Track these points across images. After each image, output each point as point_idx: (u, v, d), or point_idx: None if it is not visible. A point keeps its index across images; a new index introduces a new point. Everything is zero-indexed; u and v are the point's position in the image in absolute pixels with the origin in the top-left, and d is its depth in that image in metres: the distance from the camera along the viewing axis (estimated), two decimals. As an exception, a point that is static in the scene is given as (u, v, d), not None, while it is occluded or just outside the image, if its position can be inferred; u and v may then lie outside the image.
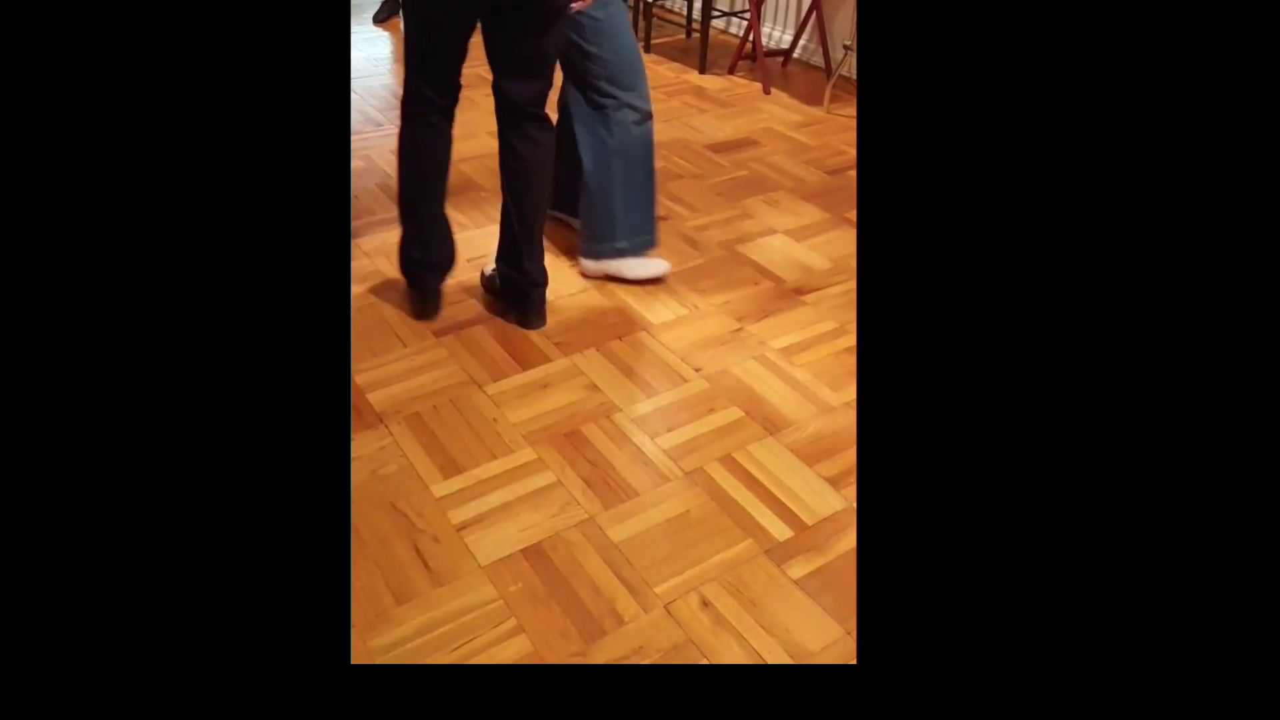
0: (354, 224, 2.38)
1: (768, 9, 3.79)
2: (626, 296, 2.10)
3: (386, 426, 1.69)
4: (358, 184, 2.60)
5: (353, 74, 3.44)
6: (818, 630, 1.32)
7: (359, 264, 2.21)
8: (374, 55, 3.67)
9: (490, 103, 2.92)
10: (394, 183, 2.59)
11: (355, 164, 2.72)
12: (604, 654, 1.28)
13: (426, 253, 1.92)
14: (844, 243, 2.37)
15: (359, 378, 1.82)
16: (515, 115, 1.79)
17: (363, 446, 1.64)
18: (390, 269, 2.18)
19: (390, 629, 1.31)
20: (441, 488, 1.56)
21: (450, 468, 1.60)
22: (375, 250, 2.26)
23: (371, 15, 4.07)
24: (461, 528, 1.48)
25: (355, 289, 2.11)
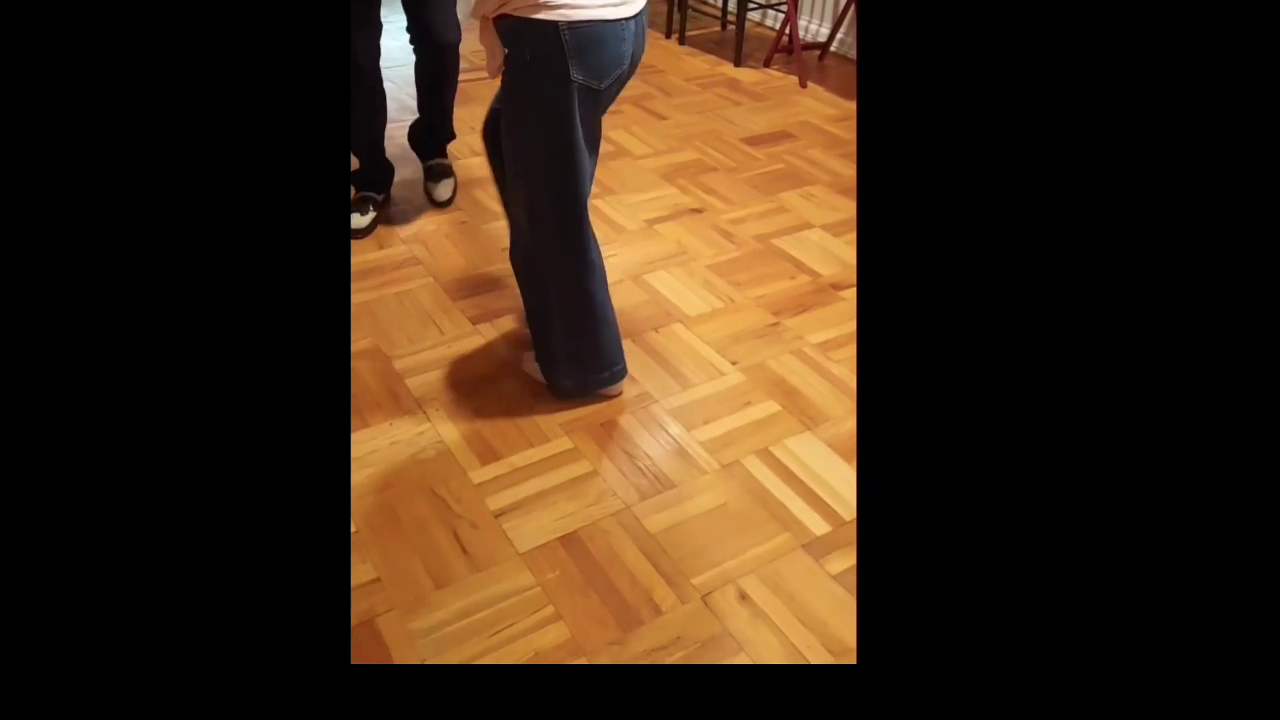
0: (390, 211, 2.40)
1: (805, 1, 3.77)
2: (661, 288, 2.10)
3: (424, 412, 1.70)
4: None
5: (389, 62, 3.46)
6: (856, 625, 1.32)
7: (396, 250, 2.22)
8: (406, 43, 3.68)
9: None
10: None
11: (391, 151, 2.73)
12: (641, 644, 1.28)
13: None
14: (880, 238, 2.35)
15: (397, 364, 1.83)
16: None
17: (401, 431, 1.65)
18: (427, 256, 2.20)
19: (429, 613, 1.32)
20: (479, 474, 1.57)
21: (487, 454, 1.61)
22: (412, 238, 2.28)
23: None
24: (499, 514, 1.49)
25: (392, 275, 2.13)
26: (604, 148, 2.80)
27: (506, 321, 1.97)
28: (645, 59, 3.59)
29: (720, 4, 4.01)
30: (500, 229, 2.32)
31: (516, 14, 1.36)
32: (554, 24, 1.34)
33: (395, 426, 1.67)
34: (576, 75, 1.39)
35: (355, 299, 2.04)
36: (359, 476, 1.56)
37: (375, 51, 2.16)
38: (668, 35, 3.84)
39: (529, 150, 1.47)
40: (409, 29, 2.19)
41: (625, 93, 3.23)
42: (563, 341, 1.65)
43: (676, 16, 3.81)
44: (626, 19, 1.39)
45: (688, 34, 3.82)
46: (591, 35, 1.36)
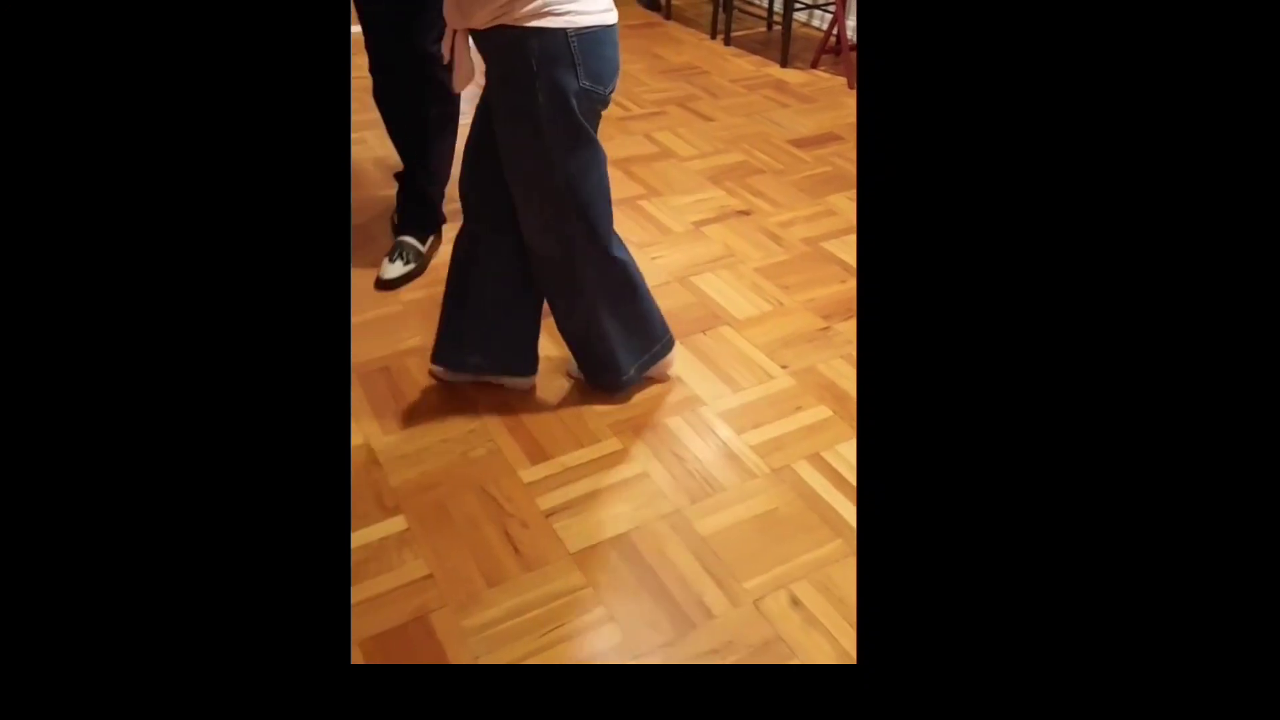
0: (444, 209, 2.41)
1: (853, 1, 3.73)
2: (709, 291, 2.09)
3: (474, 411, 1.72)
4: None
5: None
6: (909, 635, 1.30)
7: (444, 250, 2.24)
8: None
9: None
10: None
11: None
12: (693, 647, 1.28)
13: None
14: (931, 242, 2.33)
15: (447, 362, 1.84)
16: None
17: (451, 429, 1.67)
18: (476, 256, 2.21)
19: (482, 610, 1.33)
20: (529, 473, 1.57)
21: (537, 454, 1.62)
22: (461, 237, 2.30)
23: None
24: (550, 514, 1.49)
25: (441, 274, 2.14)
26: (649, 148, 2.81)
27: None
28: (688, 58, 3.58)
29: (766, 4, 3.99)
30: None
31: (519, 24, 1.31)
32: (562, 31, 1.32)
33: (445, 424, 1.68)
34: (584, 81, 1.36)
35: (405, 297, 2.06)
36: (410, 473, 1.57)
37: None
38: (713, 36, 3.83)
39: (547, 165, 1.42)
40: None
41: (671, 94, 3.23)
42: (619, 338, 1.66)
43: (722, 17, 3.80)
44: (616, 24, 1.40)
45: (733, 34, 3.81)
46: (595, 40, 1.35)
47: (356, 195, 2.51)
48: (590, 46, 1.35)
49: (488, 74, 1.41)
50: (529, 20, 1.30)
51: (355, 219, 2.38)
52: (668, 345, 1.75)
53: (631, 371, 1.71)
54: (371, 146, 2.77)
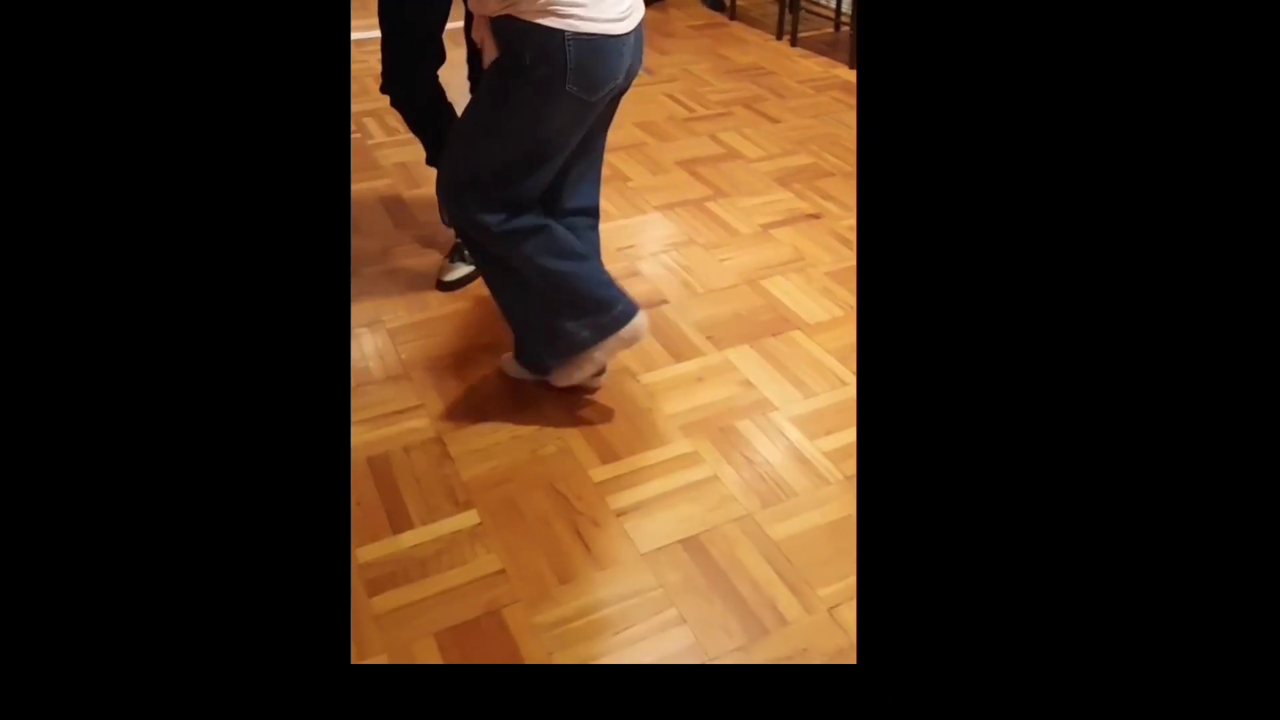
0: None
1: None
2: (778, 294, 2.07)
3: (543, 408, 1.72)
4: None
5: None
6: (989, 650, 1.27)
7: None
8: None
9: (636, 92, 2.94)
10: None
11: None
12: (767, 652, 1.27)
13: None
14: (1006, 249, 2.27)
15: (517, 359, 1.86)
16: None
17: (521, 425, 1.68)
18: (544, 254, 2.23)
19: (553, 607, 1.33)
20: (599, 473, 1.58)
21: (607, 454, 1.62)
22: (529, 235, 2.31)
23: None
24: (620, 514, 1.49)
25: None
26: (714, 149, 2.79)
27: (623, 321, 1.98)
28: (754, 59, 3.56)
29: (834, 4, 3.94)
30: (612, 230, 2.33)
31: (522, 17, 1.33)
32: (560, 33, 1.33)
33: (515, 420, 1.69)
34: (571, 86, 1.37)
35: (476, 293, 2.08)
36: (481, 468, 1.58)
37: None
38: (779, 36, 3.80)
39: (498, 141, 1.46)
40: (469, 59, 2.05)
41: (737, 94, 3.21)
42: (540, 318, 1.61)
43: (788, 18, 3.77)
44: (625, 34, 1.39)
45: (800, 35, 3.77)
46: (593, 48, 1.36)
47: (412, 194, 2.55)
48: (587, 53, 1.35)
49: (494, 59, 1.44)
50: (532, 16, 1.33)
51: (422, 217, 2.41)
52: (621, 317, 1.58)
53: (558, 360, 1.64)
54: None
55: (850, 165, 2.69)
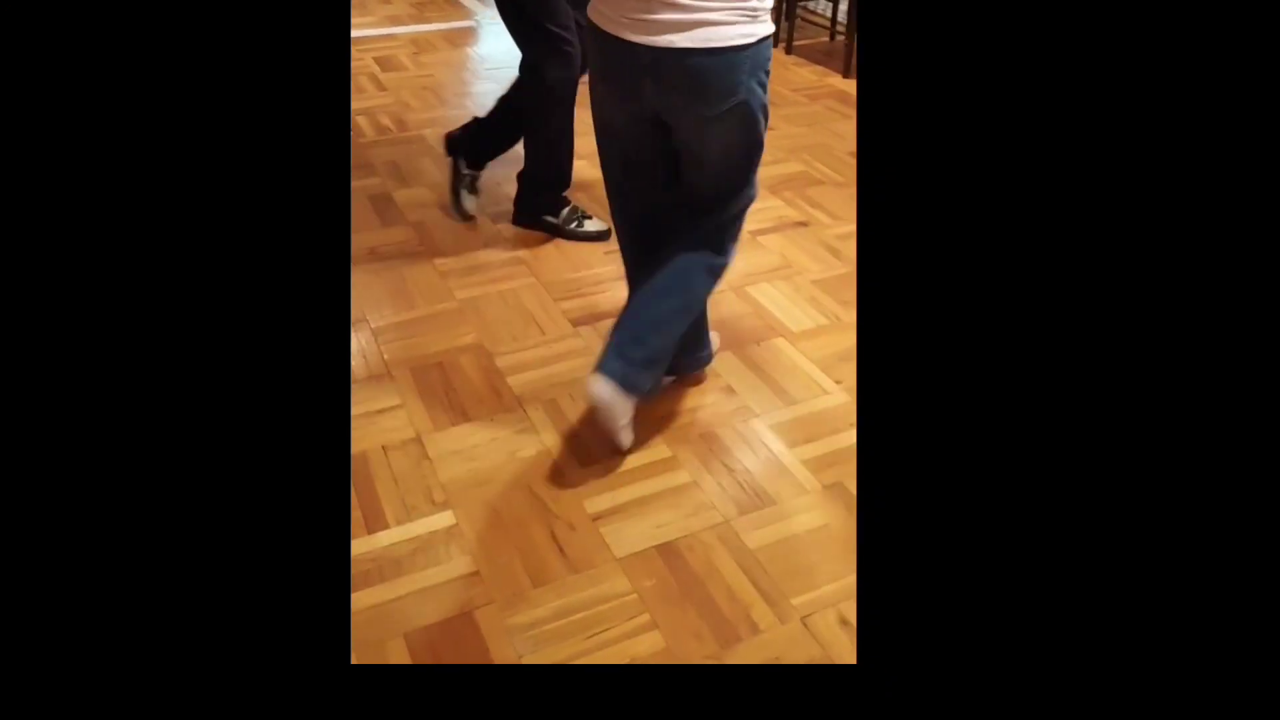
0: (495, 210, 2.43)
1: (917, 16, 3.69)
2: (764, 301, 2.08)
3: (524, 410, 1.72)
4: (499, 172, 2.65)
5: (495, 64, 3.53)
6: (960, 663, 1.27)
7: (499, 249, 2.26)
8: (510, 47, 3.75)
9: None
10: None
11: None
12: (738, 660, 1.26)
13: None
14: (992, 262, 2.28)
15: (499, 361, 1.86)
16: None
17: (501, 428, 1.67)
18: (529, 256, 2.23)
19: (528, 609, 1.33)
20: (577, 476, 1.57)
21: (587, 458, 1.61)
22: (515, 237, 2.31)
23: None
24: (597, 518, 1.49)
25: (497, 273, 2.16)
26: (708, 156, 2.79)
27: (607, 324, 1.97)
28: (751, 69, 3.56)
29: (830, 14, 3.95)
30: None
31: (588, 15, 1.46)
32: (591, 24, 1.42)
33: (496, 423, 1.69)
34: (591, 72, 1.49)
35: (461, 294, 2.08)
36: (459, 469, 1.58)
37: (574, 82, 2.12)
38: (774, 44, 3.81)
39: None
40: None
41: (730, 102, 3.21)
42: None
43: (784, 26, 3.78)
44: (632, 42, 1.32)
45: (795, 43, 3.78)
46: (593, 37, 1.42)
47: (402, 193, 2.54)
48: (597, 48, 1.44)
49: None
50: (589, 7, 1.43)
51: (411, 216, 2.41)
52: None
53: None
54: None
55: (840, 175, 2.69)
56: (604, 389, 1.44)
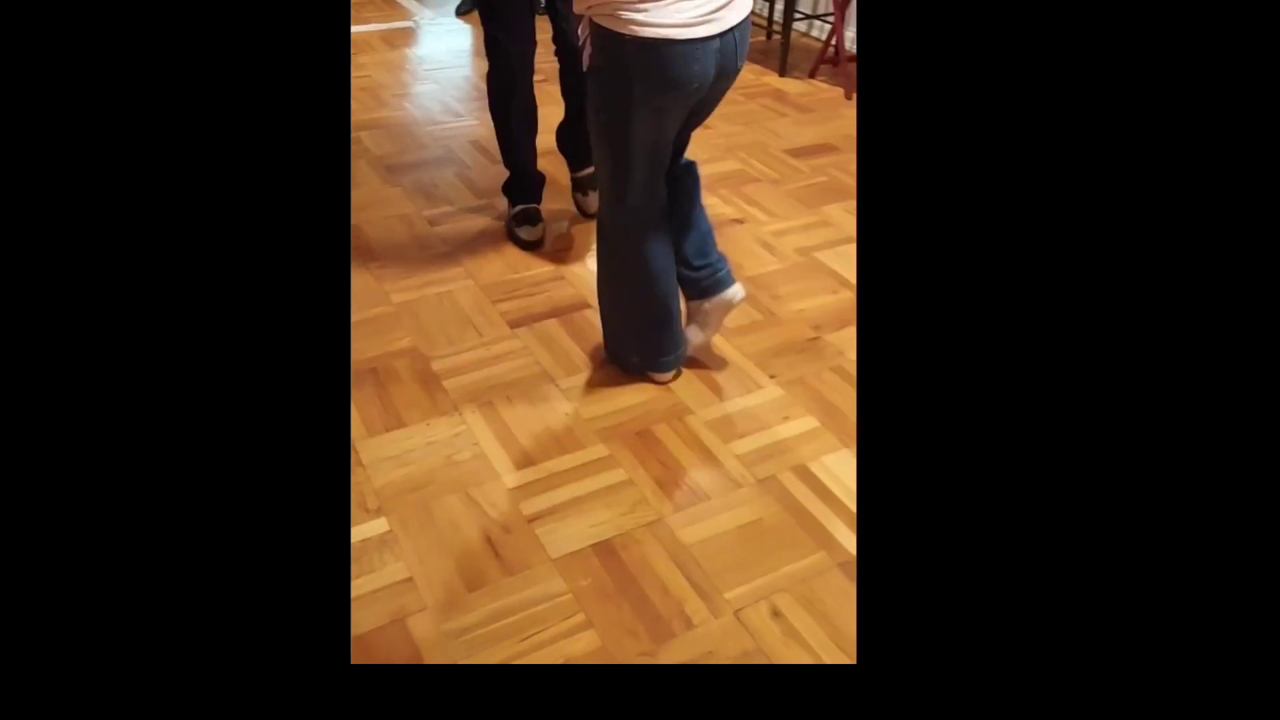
0: (432, 213, 2.42)
1: (852, 12, 3.74)
2: (701, 298, 2.09)
3: (460, 414, 1.71)
4: (437, 174, 2.63)
5: (434, 65, 3.50)
6: (890, 649, 1.29)
7: (436, 251, 2.24)
8: (455, 47, 3.72)
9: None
10: (472, 173, 2.63)
11: (435, 154, 2.76)
12: (672, 656, 1.27)
13: None
14: (924, 255, 2.32)
15: (435, 364, 1.84)
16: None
17: (437, 432, 1.66)
18: (469, 260, 2.21)
19: (462, 614, 1.32)
20: (514, 478, 1.57)
21: (522, 459, 1.61)
22: (452, 238, 2.29)
23: (455, 7, 4.13)
24: (532, 519, 1.49)
25: (433, 275, 2.14)
26: (646, 155, 2.80)
27: (545, 326, 1.97)
28: (690, 68, 3.58)
29: (766, 14, 3.99)
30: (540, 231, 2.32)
31: (595, 18, 1.40)
32: (620, 36, 1.36)
33: (432, 427, 1.67)
34: (637, 88, 1.41)
35: (396, 298, 2.05)
36: (394, 475, 1.56)
37: (530, 66, 2.12)
38: (713, 44, 3.83)
39: (597, 141, 1.58)
40: (554, 39, 2.17)
41: (669, 101, 3.23)
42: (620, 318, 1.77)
43: (722, 26, 3.80)
44: (704, 39, 1.38)
45: (733, 44, 3.81)
46: (656, 53, 1.37)
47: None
48: (648, 58, 1.37)
49: None
50: (600, 18, 1.39)
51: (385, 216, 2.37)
52: (669, 364, 1.81)
53: (634, 360, 1.79)
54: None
55: (776, 172, 2.72)
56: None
